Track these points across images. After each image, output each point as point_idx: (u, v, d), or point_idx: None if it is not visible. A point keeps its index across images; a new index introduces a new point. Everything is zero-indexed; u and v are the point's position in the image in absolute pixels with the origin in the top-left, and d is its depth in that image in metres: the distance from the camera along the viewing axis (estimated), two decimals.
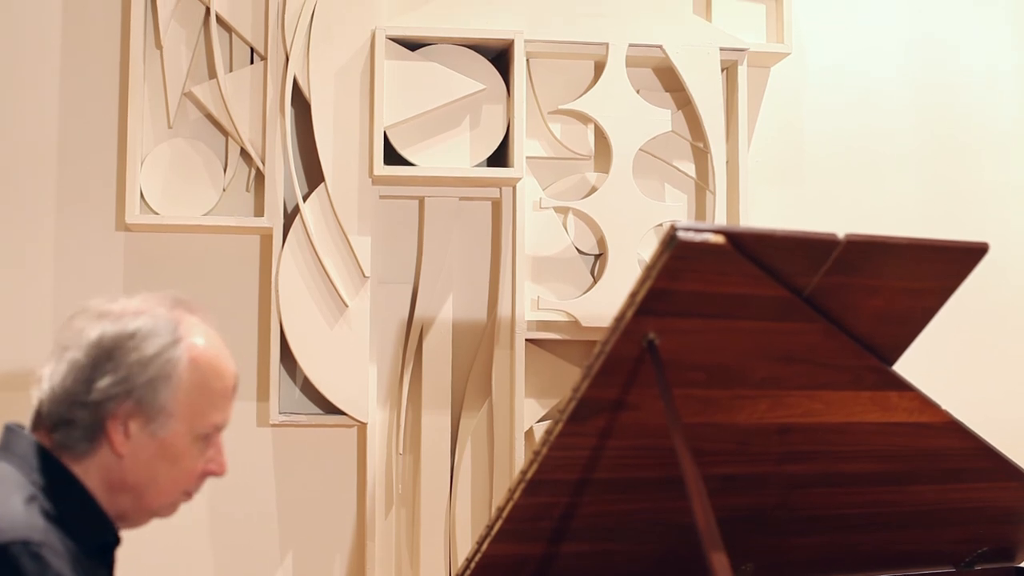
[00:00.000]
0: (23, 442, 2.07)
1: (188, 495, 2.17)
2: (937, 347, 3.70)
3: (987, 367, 4.07)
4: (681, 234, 2.01)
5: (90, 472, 2.07)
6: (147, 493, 2.10)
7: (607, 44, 3.79)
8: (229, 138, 3.72)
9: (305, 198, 3.67)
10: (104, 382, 2.04)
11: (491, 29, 3.75)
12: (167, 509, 2.17)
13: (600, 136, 3.83)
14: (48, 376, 2.08)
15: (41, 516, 1.98)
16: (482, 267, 3.84)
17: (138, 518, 2.15)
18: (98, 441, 2.06)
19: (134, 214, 3.61)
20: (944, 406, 2.47)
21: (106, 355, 2.05)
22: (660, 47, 3.81)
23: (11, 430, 2.10)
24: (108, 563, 2.12)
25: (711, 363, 2.26)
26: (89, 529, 2.06)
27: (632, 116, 3.79)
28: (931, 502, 2.72)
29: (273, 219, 3.64)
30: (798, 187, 4.02)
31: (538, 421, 3.74)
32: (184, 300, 2.18)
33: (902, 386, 2.41)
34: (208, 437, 2.15)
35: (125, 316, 2.10)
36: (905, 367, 2.39)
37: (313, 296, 3.64)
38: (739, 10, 3.93)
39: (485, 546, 2.50)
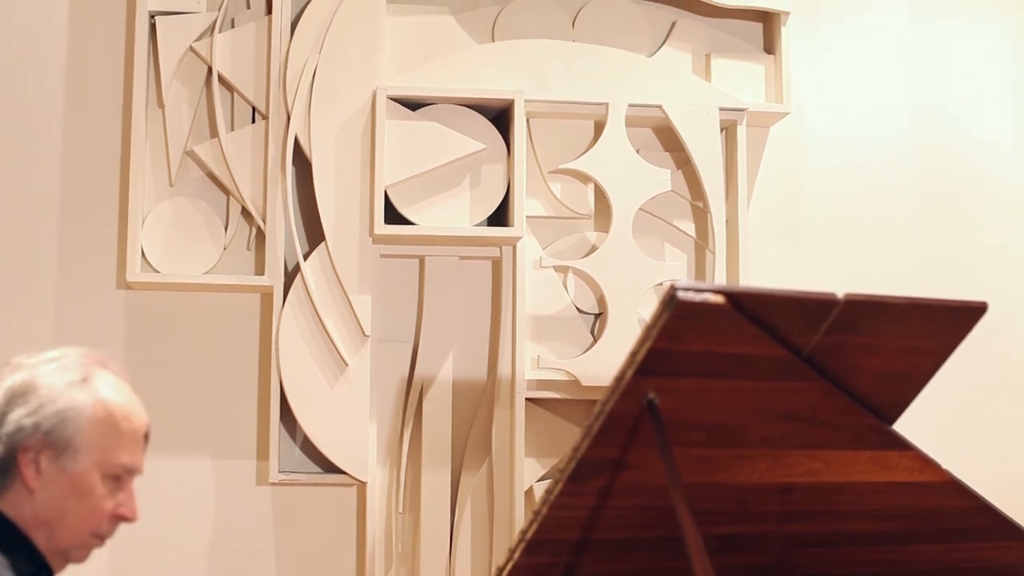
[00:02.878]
0: None
1: (99, 538, 2.22)
2: (937, 406, 3.69)
3: (987, 426, 4.06)
4: (681, 294, 2.01)
5: (6, 509, 2.14)
6: (57, 529, 2.16)
7: (607, 104, 3.81)
8: (230, 197, 3.73)
9: (306, 257, 3.67)
10: (16, 414, 2.13)
11: (491, 89, 3.77)
12: (79, 552, 2.22)
13: (600, 195, 3.84)
14: None
15: None
16: (482, 326, 3.84)
17: (52, 560, 2.18)
18: (10, 476, 2.14)
19: (135, 272, 3.62)
20: (944, 465, 2.47)
21: (19, 392, 2.15)
22: (660, 107, 3.83)
23: None
24: None
25: (711, 422, 2.25)
26: (21, 560, 2.12)
27: (632, 176, 3.80)
28: (932, 561, 2.71)
29: (274, 277, 3.65)
30: (798, 246, 4.03)
31: (538, 480, 3.73)
32: (100, 356, 2.28)
33: (902, 445, 2.40)
34: (119, 479, 2.20)
35: (39, 364, 2.21)
36: (905, 427, 2.39)
37: (313, 355, 3.64)
38: (738, 70, 3.95)
39: None
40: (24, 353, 2.26)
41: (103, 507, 2.18)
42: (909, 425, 2.41)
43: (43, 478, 2.14)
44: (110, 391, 2.22)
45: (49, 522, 2.15)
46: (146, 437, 2.27)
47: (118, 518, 2.22)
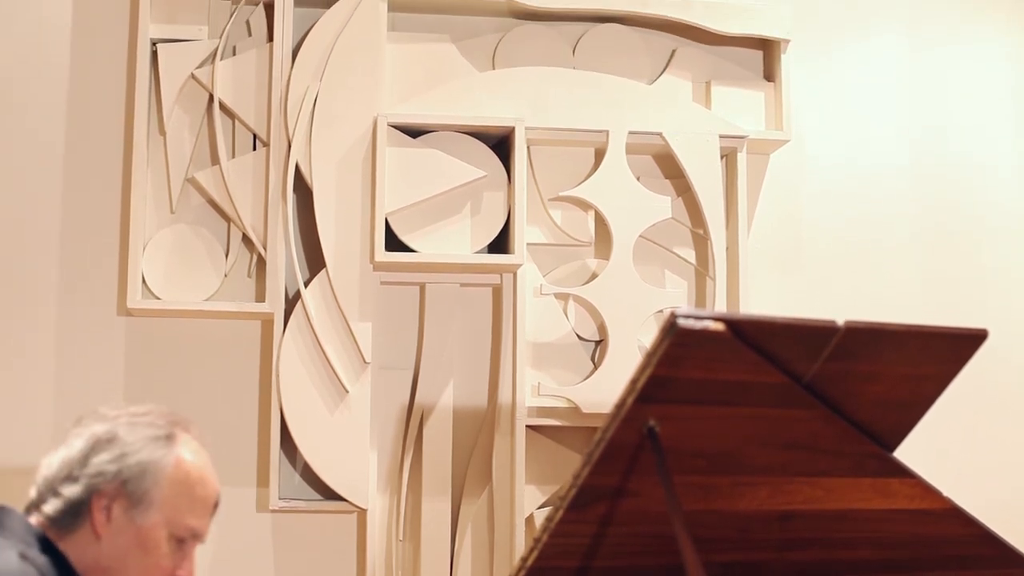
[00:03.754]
0: (15, 519, 2.18)
1: None
2: (938, 433, 3.69)
3: (988, 453, 4.05)
4: (681, 321, 2.01)
5: (68, 551, 2.17)
6: None
7: (607, 131, 3.81)
8: (231, 224, 3.73)
9: (306, 284, 3.68)
10: (99, 458, 2.18)
11: (492, 116, 3.77)
12: None
13: (600, 223, 3.85)
14: (46, 464, 2.22)
15: (34, 569, 2.07)
16: (483, 353, 3.84)
17: None
18: (81, 518, 2.18)
19: (136, 299, 3.62)
20: (945, 492, 2.46)
21: (104, 440, 2.20)
22: (660, 134, 3.83)
23: (4, 509, 2.19)
24: None
25: (712, 450, 2.25)
26: None
27: (632, 203, 3.80)
28: None
29: (274, 304, 3.65)
30: (798, 274, 4.03)
31: (539, 508, 3.72)
32: (183, 418, 2.32)
33: (903, 473, 2.40)
34: (183, 542, 2.24)
35: (125, 416, 2.25)
36: (906, 453, 2.39)
37: (314, 381, 3.64)
38: (738, 98, 3.96)
39: None
40: (105, 405, 2.30)
41: (164, 566, 2.22)
42: (910, 452, 2.41)
43: (112, 526, 2.18)
44: (191, 454, 2.26)
45: (109, 571, 2.18)
46: (215, 506, 2.31)
47: None
